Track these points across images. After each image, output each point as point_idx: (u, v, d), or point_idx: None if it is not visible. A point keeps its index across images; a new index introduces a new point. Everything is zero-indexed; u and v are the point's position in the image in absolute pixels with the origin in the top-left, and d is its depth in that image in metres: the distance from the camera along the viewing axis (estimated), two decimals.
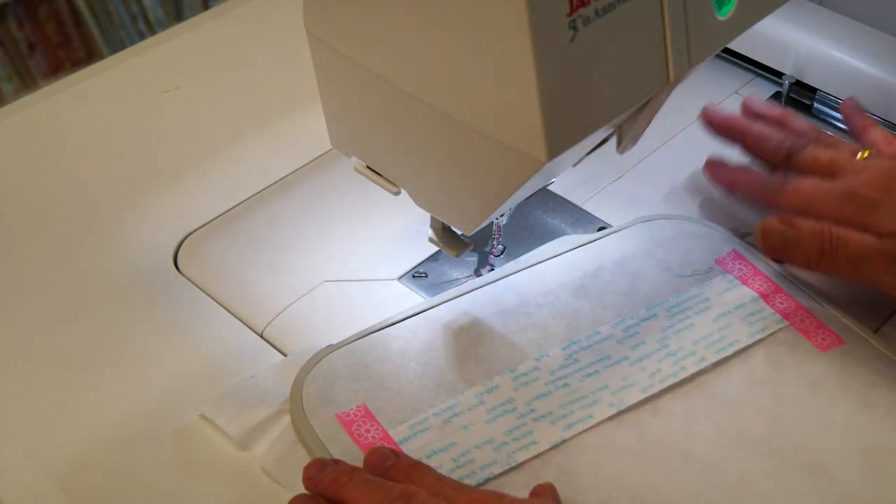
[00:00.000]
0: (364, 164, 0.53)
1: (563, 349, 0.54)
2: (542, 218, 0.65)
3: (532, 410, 0.51)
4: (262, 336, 0.58)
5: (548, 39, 0.39)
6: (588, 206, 0.65)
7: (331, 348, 0.54)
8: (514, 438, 0.50)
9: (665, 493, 0.48)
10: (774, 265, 0.59)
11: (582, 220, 0.64)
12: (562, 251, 0.59)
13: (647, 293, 0.57)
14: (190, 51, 0.77)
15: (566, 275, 0.58)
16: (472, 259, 0.62)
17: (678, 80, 0.46)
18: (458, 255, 0.56)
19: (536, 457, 0.50)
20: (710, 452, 0.50)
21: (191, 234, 0.64)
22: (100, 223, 0.64)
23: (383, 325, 0.55)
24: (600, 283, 0.57)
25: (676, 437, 0.51)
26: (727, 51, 0.76)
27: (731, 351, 0.54)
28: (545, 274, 0.58)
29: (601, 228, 0.63)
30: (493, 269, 0.61)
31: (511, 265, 0.59)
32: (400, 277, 0.61)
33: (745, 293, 0.57)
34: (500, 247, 0.62)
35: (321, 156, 0.68)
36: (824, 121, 0.72)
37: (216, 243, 0.63)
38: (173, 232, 0.64)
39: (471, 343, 0.54)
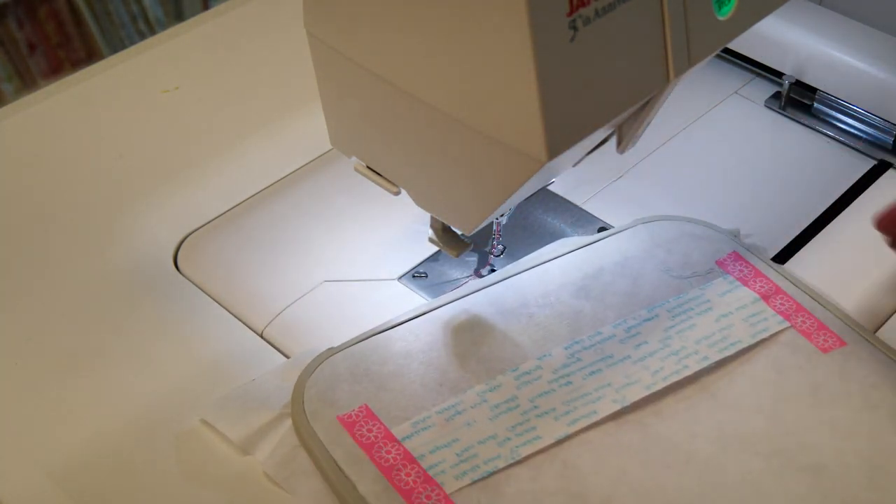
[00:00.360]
0: (364, 164, 0.53)
1: (566, 348, 0.54)
2: (542, 218, 0.65)
3: (535, 407, 0.51)
4: (262, 336, 0.58)
5: (548, 39, 0.39)
6: (588, 207, 0.65)
7: (332, 351, 0.54)
8: (517, 434, 0.50)
9: (669, 491, 0.49)
10: (775, 266, 0.59)
11: (582, 220, 0.64)
12: (562, 252, 0.59)
13: (649, 294, 0.57)
14: (190, 51, 0.77)
15: (567, 276, 0.58)
16: (472, 259, 0.62)
17: (678, 80, 0.46)
18: (458, 255, 0.56)
19: (540, 452, 0.50)
20: (713, 453, 0.50)
21: (191, 234, 0.64)
22: (100, 223, 0.64)
23: (384, 327, 0.55)
24: (601, 285, 0.57)
25: (679, 438, 0.51)
26: (727, 51, 0.76)
27: (733, 350, 0.54)
28: (546, 275, 0.58)
29: (601, 229, 0.63)
30: (493, 269, 0.61)
31: (511, 267, 0.59)
32: (400, 277, 0.61)
33: (745, 294, 0.57)
34: (500, 247, 0.62)
35: (321, 156, 0.68)
36: (824, 120, 0.72)
37: (216, 243, 0.63)
38: (173, 232, 0.64)
39: (472, 343, 0.54)
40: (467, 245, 0.56)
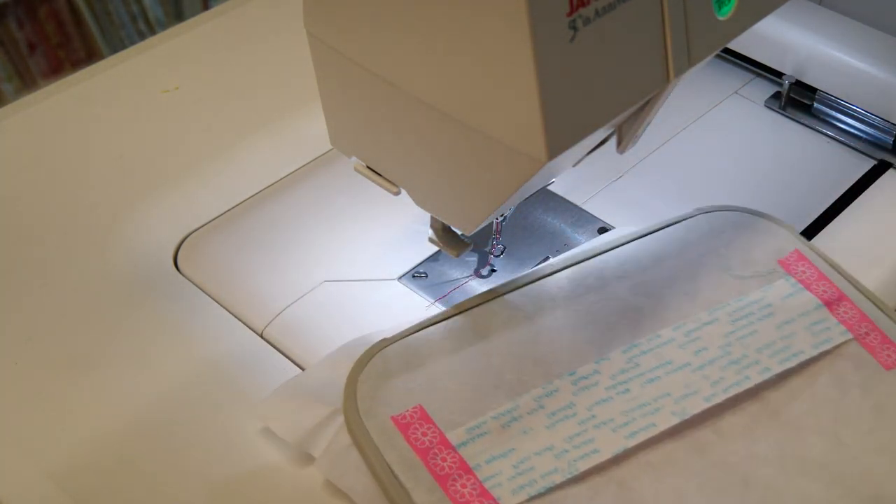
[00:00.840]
0: (364, 164, 0.53)
1: (624, 352, 0.52)
2: (542, 218, 0.65)
3: (593, 417, 0.50)
4: (262, 336, 0.58)
5: (548, 39, 0.39)
6: (588, 206, 0.65)
7: (385, 342, 0.52)
8: (574, 446, 0.49)
9: None
10: (839, 268, 0.57)
11: (582, 220, 0.64)
12: (620, 242, 0.57)
13: (708, 295, 0.55)
14: (190, 51, 0.77)
15: (624, 269, 0.56)
16: (473, 259, 0.62)
17: (678, 80, 0.46)
18: (458, 255, 0.56)
19: (598, 472, 0.48)
20: (772, 478, 0.48)
21: (191, 234, 0.64)
22: (100, 223, 0.64)
23: (439, 318, 0.53)
24: (660, 280, 0.55)
25: (737, 459, 0.49)
26: (727, 51, 0.76)
27: (795, 362, 0.52)
28: (605, 267, 0.56)
29: (601, 229, 0.63)
30: (493, 269, 0.61)
31: (563, 258, 0.57)
32: (400, 277, 0.61)
33: (808, 299, 0.54)
34: (500, 247, 0.62)
35: (321, 156, 0.69)
36: (824, 121, 0.72)
37: (216, 243, 0.63)
38: (173, 232, 0.64)
39: (529, 342, 0.52)
40: (467, 245, 0.56)
